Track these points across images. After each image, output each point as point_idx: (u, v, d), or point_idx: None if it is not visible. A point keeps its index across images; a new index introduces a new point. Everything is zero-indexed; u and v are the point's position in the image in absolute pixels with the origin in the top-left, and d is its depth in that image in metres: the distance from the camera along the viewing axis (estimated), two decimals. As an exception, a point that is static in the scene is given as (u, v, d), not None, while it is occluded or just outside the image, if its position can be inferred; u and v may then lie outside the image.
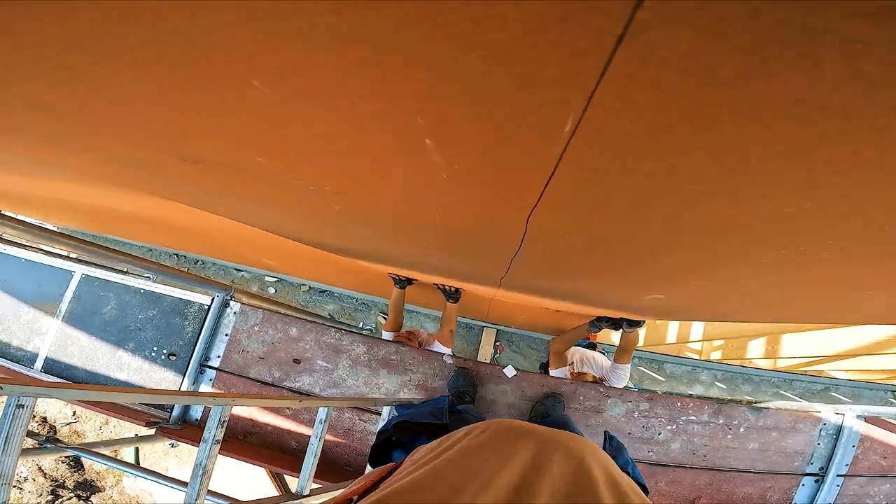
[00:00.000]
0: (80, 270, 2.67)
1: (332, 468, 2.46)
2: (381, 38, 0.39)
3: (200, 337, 2.49)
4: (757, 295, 1.19)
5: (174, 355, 2.52)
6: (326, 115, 0.58)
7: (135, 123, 0.74)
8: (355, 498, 0.57)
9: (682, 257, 0.97)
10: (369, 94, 0.50)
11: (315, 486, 2.02)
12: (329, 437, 2.46)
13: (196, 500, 1.49)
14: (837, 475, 2.42)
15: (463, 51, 0.40)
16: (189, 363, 2.47)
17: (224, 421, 1.55)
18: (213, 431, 1.52)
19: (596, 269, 1.28)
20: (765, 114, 0.41)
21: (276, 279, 4.74)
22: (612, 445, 1.44)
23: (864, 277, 0.85)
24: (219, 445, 1.54)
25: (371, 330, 4.56)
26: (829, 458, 2.44)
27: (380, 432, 1.37)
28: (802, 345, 3.82)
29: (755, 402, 4.37)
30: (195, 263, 4.93)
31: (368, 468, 2.03)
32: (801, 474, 2.46)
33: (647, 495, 1.11)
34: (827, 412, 2.46)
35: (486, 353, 4.46)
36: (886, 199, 0.53)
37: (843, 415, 2.43)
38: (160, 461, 5.18)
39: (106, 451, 2.41)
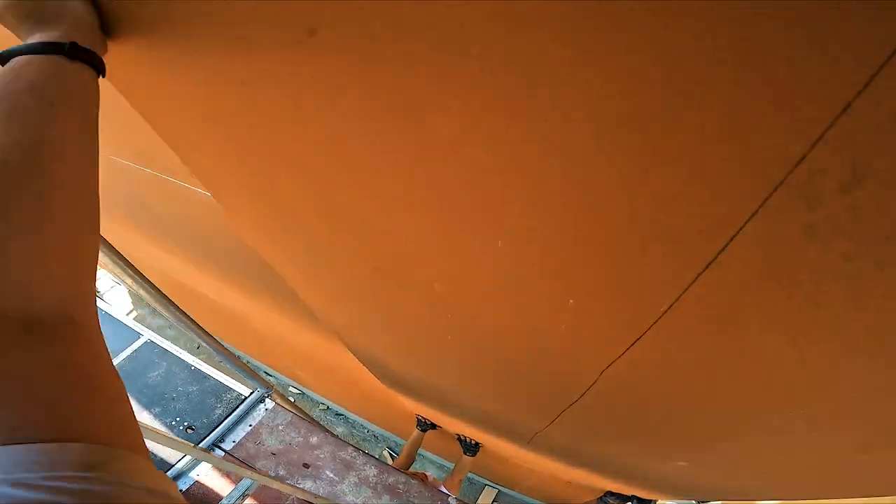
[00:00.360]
0: (147, 335, 2.88)
1: None
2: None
3: (227, 420, 2.56)
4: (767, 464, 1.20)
5: (192, 429, 2.58)
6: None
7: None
8: None
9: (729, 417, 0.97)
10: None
11: None
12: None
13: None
14: None
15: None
16: (204, 438, 2.51)
17: (248, 494, 1.57)
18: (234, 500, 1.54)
19: (641, 431, 1.29)
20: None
21: (298, 392, 4.77)
22: None
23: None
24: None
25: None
26: None
27: None
28: None
29: None
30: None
31: None
32: None
33: None
34: None
35: (482, 513, 4.17)
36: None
37: None
38: None
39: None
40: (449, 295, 0.91)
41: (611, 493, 2.65)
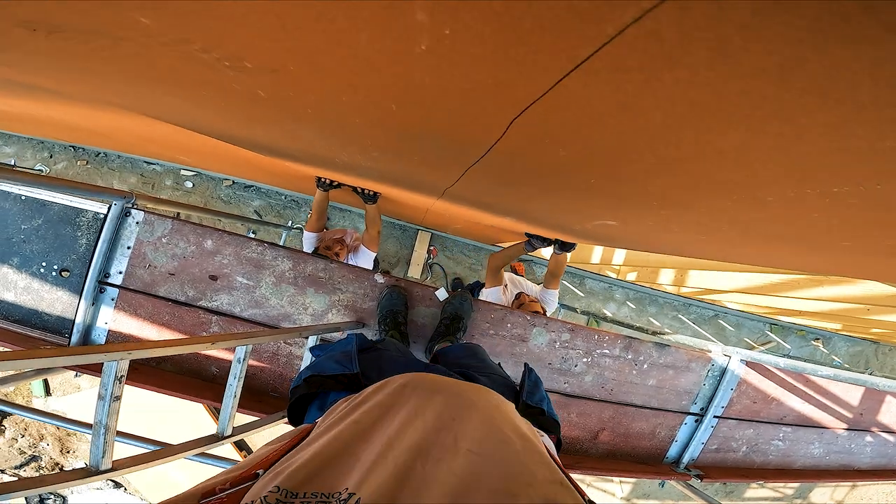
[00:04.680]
0: None
1: (258, 396, 2.27)
2: None
3: (96, 250, 2.08)
4: (717, 231, 1.13)
5: (67, 271, 2.11)
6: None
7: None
8: (261, 471, 0.52)
9: (672, 183, 0.85)
10: None
11: (243, 420, 1.85)
12: (252, 363, 2.25)
13: (102, 457, 1.27)
14: (714, 416, 2.59)
15: None
16: (85, 280, 2.08)
17: (122, 376, 1.28)
18: (110, 388, 1.26)
19: (562, 188, 1.13)
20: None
21: (193, 173, 4.15)
22: (531, 379, 1.39)
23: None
24: (119, 402, 1.29)
25: (300, 228, 4.20)
26: (710, 400, 2.58)
27: (292, 390, 1.21)
28: (705, 278, 4.04)
29: (660, 332, 4.67)
30: (96, 156, 4.14)
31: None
32: (686, 413, 2.62)
33: (559, 431, 1.05)
34: (716, 353, 2.57)
35: (420, 256, 4.31)
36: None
37: (730, 357, 2.53)
38: (70, 379, 4.78)
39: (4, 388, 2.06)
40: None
41: (534, 236, 2.56)
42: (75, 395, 4.82)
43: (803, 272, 2.97)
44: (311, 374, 1.21)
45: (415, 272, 4.32)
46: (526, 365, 1.54)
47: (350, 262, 2.77)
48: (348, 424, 0.59)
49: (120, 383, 1.30)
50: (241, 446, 4.40)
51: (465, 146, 0.91)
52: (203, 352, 2.26)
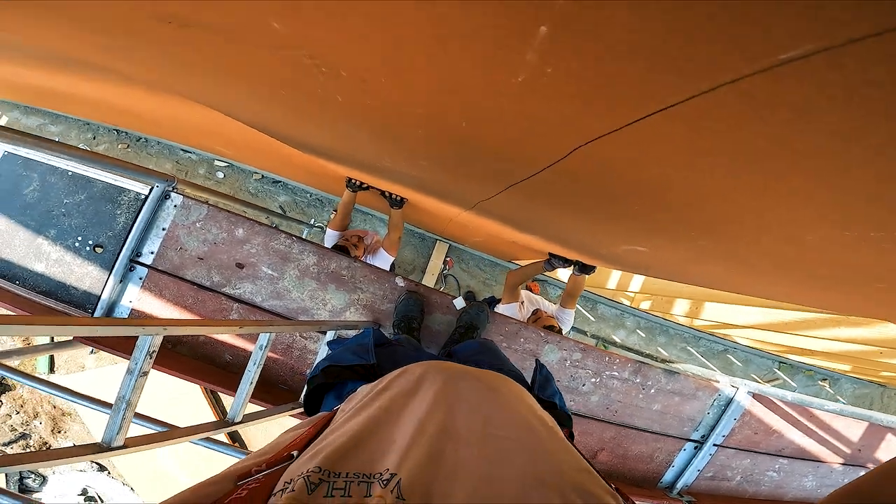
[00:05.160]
0: (1, 147, 2.18)
1: (267, 386, 2.30)
2: None
3: (133, 229, 2.14)
4: (750, 266, 1.14)
5: (101, 247, 2.17)
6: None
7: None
8: (296, 452, 0.53)
9: (719, 217, 0.86)
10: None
11: (250, 409, 1.87)
12: (267, 353, 2.28)
13: (117, 433, 1.28)
14: (713, 444, 2.59)
15: None
16: (118, 257, 2.13)
17: (154, 351, 1.31)
18: (140, 363, 1.29)
19: (603, 212, 1.14)
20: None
21: (226, 164, 4.23)
22: (542, 374, 1.41)
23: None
24: (146, 378, 1.32)
25: (321, 227, 4.25)
26: (712, 428, 2.58)
27: (309, 379, 1.24)
28: (721, 312, 4.01)
29: (668, 360, 4.65)
30: (137, 140, 4.26)
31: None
32: (686, 439, 2.62)
33: (571, 424, 1.06)
34: (724, 383, 2.57)
35: (435, 266, 4.33)
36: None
37: (737, 389, 2.53)
38: (76, 357, 4.82)
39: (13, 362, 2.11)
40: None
41: (556, 256, 2.59)
42: (79, 374, 4.81)
43: (829, 312, 2.96)
44: (329, 364, 1.24)
45: (429, 281, 4.35)
46: (537, 360, 1.56)
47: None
48: (377, 409, 0.59)
49: (150, 358, 1.33)
50: (234, 438, 4.41)
51: (518, 164, 0.92)
52: (218, 337, 2.30)
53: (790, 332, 3.65)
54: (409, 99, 0.68)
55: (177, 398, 4.03)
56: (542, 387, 1.29)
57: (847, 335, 3.34)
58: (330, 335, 2.08)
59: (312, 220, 4.20)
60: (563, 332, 2.79)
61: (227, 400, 3.79)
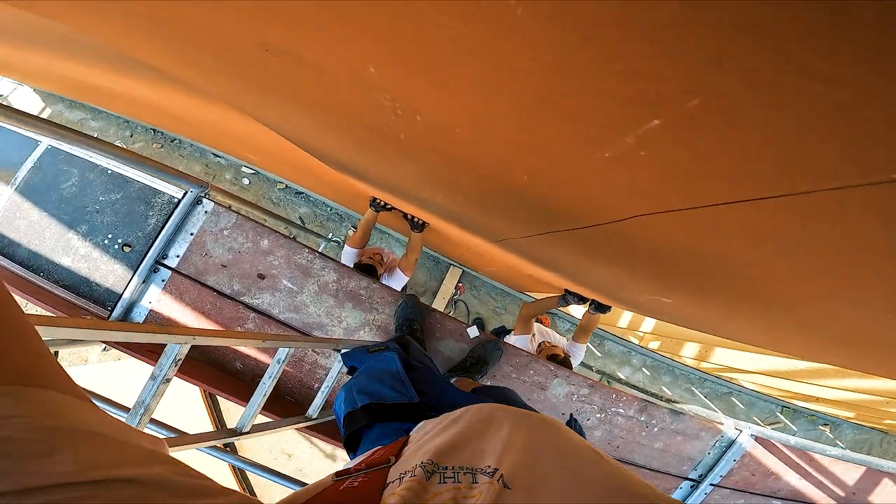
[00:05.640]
0: (46, 141, 2.23)
1: (273, 397, 2.29)
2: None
3: (163, 231, 2.17)
4: (780, 329, 1.13)
5: (129, 246, 2.20)
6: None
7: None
8: (392, 458, 0.57)
9: (766, 293, 0.86)
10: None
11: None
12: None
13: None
14: (710, 483, 2.58)
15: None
16: (144, 258, 2.16)
17: (179, 360, 1.32)
18: (165, 370, 1.29)
19: (643, 269, 1.13)
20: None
21: (252, 171, 4.29)
22: (577, 427, 1.45)
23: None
24: (167, 385, 1.32)
25: (338, 242, 4.29)
26: (711, 468, 2.58)
27: (348, 416, 1.19)
28: (730, 357, 4.00)
29: (672, 399, 4.60)
30: (171, 141, 4.35)
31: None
32: (683, 478, 2.62)
33: None
34: (728, 426, 2.57)
35: (447, 290, 4.33)
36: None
37: (741, 431, 2.52)
38: (80, 350, 4.78)
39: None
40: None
41: (572, 293, 2.59)
42: (81, 367, 4.78)
43: (845, 368, 2.95)
44: (370, 401, 1.19)
45: (440, 304, 4.34)
46: (571, 415, 1.57)
47: (382, 282, 2.82)
48: (463, 428, 0.63)
49: (175, 366, 1.34)
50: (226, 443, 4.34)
51: (568, 218, 0.92)
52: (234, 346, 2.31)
53: (799, 380, 3.63)
54: (480, 151, 0.70)
55: (172, 397, 3.99)
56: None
57: (856, 385, 3.33)
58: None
59: (331, 234, 4.23)
60: (574, 365, 2.79)
61: (223, 404, 3.76)
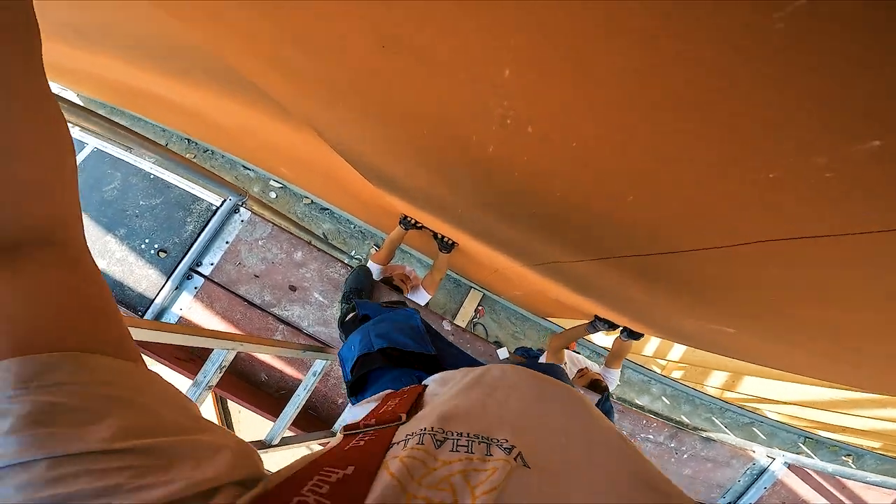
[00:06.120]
0: (93, 143, 2.27)
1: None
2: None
3: (199, 238, 2.17)
4: (843, 362, 1.08)
5: (165, 252, 2.20)
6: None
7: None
8: (404, 415, 0.53)
9: (841, 330, 0.82)
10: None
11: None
12: (302, 376, 2.26)
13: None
14: None
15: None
16: (179, 264, 2.16)
17: (224, 366, 1.30)
18: (210, 376, 1.27)
19: (705, 305, 1.08)
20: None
21: (280, 185, 4.32)
22: (605, 407, 1.48)
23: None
24: (209, 392, 1.30)
25: (360, 260, 4.27)
26: (740, 496, 2.54)
27: (364, 357, 1.16)
28: (759, 386, 3.91)
29: (696, 428, 4.49)
30: (204, 152, 4.40)
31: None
32: None
33: None
34: (760, 453, 2.55)
35: (467, 313, 4.27)
36: None
37: (773, 459, 2.47)
38: None
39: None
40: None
41: (602, 319, 2.55)
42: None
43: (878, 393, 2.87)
44: (387, 345, 1.17)
45: (458, 327, 4.31)
46: (606, 390, 1.49)
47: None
48: (480, 393, 0.59)
49: (220, 372, 1.32)
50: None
51: (648, 242, 0.86)
52: (258, 355, 2.28)
53: (828, 409, 3.53)
54: (590, 169, 0.66)
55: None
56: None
57: (886, 415, 3.23)
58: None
59: (353, 251, 4.22)
60: (610, 390, 2.73)
61: (231, 409, 3.71)
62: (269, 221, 2.25)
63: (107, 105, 4.58)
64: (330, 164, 2.22)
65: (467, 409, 0.53)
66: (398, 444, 0.45)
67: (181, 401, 0.39)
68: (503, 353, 2.31)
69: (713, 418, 4.69)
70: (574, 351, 3.51)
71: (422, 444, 0.44)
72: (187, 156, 4.41)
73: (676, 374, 4.63)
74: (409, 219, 2.76)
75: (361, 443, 0.47)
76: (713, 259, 0.75)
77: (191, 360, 2.19)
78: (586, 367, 2.76)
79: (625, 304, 1.83)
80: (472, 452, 0.43)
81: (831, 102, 0.34)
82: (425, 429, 0.47)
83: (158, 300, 2.17)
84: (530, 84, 0.50)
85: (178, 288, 2.20)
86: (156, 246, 2.20)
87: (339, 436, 0.51)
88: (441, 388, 0.66)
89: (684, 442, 2.44)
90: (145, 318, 2.18)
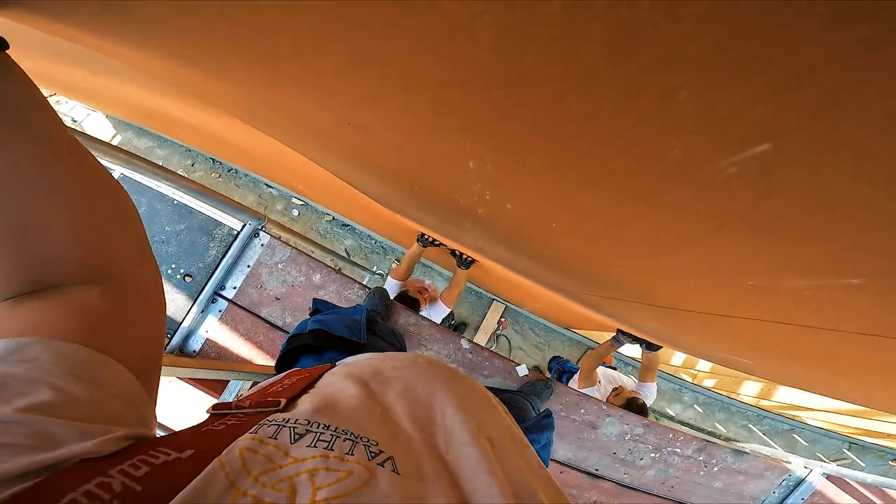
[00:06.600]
0: (119, 170, 2.36)
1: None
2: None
3: (222, 263, 2.23)
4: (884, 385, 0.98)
5: (190, 276, 2.27)
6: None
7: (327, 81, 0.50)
8: (283, 401, 0.49)
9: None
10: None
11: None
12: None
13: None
14: None
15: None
16: (204, 288, 2.23)
17: (241, 395, 1.33)
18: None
19: (727, 350, 1.08)
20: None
21: (302, 203, 4.40)
22: (541, 422, 1.38)
23: None
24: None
25: (382, 275, 4.31)
26: None
27: (293, 336, 1.20)
28: (797, 395, 3.78)
29: (728, 438, 4.34)
30: (228, 171, 4.53)
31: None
32: None
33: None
34: (797, 464, 2.41)
35: (489, 325, 4.26)
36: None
37: (811, 470, 2.38)
38: None
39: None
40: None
41: (625, 333, 2.50)
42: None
43: None
44: (319, 328, 1.19)
45: (481, 339, 4.26)
46: (548, 410, 1.47)
47: (425, 313, 2.81)
48: (378, 383, 0.56)
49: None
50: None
51: (664, 301, 0.84)
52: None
53: (871, 417, 3.37)
54: (582, 245, 0.66)
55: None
56: (530, 430, 1.26)
57: None
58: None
59: (375, 266, 4.27)
60: (649, 405, 2.68)
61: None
62: (287, 244, 2.30)
63: (134, 126, 4.75)
64: (345, 186, 2.26)
65: (347, 401, 0.49)
66: (253, 431, 0.40)
67: (132, 397, 0.42)
68: (522, 370, 2.30)
69: (750, 426, 4.53)
70: (611, 367, 3.45)
71: (275, 438, 0.39)
72: (212, 175, 4.55)
73: (709, 383, 4.49)
74: (426, 237, 2.78)
75: (221, 426, 0.42)
76: (716, 321, 0.73)
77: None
78: (621, 385, 2.71)
79: (644, 330, 1.80)
80: (331, 449, 0.39)
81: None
82: (287, 419, 0.42)
83: (185, 323, 2.24)
84: (501, 178, 0.50)
85: (204, 311, 2.27)
86: (182, 271, 2.28)
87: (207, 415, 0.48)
88: (342, 369, 0.62)
89: (714, 455, 2.36)
90: (173, 340, 2.26)
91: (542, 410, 1.63)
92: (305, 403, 0.48)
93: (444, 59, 0.32)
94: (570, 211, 0.51)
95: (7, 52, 0.46)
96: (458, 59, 0.31)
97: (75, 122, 4.88)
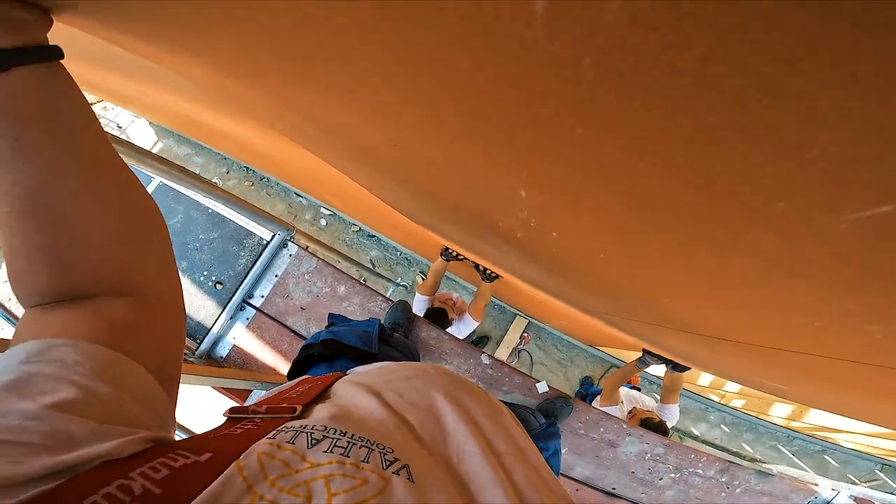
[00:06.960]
0: (158, 178, 2.43)
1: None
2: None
3: (251, 272, 2.27)
4: None
5: (221, 284, 2.31)
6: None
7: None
8: (299, 407, 0.49)
9: None
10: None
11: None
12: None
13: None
14: None
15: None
16: (233, 296, 2.26)
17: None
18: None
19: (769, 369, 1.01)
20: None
21: (330, 213, 4.46)
22: (547, 431, 1.40)
23: None
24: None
25: (406, 287, 4.32)
26: None
27: (307, 346, 1.20)
28: (828, 417, 3.66)
29: (755, 458, 4.21)
30: (261, 180, 4.62)
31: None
32: None
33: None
34: (824, 486, 2.33)
35: (512, 340, 4.22)
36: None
37: (838, 492, 2.30)
38: None
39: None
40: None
41: (651, 353, 2.44)
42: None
43: None
44: (331, 338, 1.21)
45: (503, 353, 4.22)
46: (554, 422, 1.43)
47: (454, 328, 2.80)
48: (391, 392, 0.55)
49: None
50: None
51: (689, 328, 0.83)
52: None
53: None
54: (627, 275, 0.64)
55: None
56: (538, 438, 1.23)
57: None
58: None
59: (399, 278, 4.28)
60: (670, 426, 2.61)
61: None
62: (314, 255, 2.32)
63: (175, 133, 4.87)
64: (377, 201, 2.27)
65: (361, 410, 0.50)
66: (271, 436, 0.40)
67: (152, 400, 0.43)
68: (542, 386, 2.27)
69: (779, 446, 4.38)
70: (636, 387, 3.39)
71: (292, 443, 0.39)
72: (245, 184, 4.64)
73: (737, 403, 4.36)
74: (450, 251, 2.77)
75: (239, 431, 0.43)
76: (767, 352, 0.70)
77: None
78: (635, 407, 2.64)
79: (675, 352, 1.76)
80: (347, 456, 0.39)
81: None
82: (305, 426, 0.42)
83: (214, 329, 2.28)
84: (551, 207, 0.49)
85: (233, 318, 2.30)
86: (213, 278, 2.31)
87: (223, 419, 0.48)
88: (355, 378, 0.61)
89: (737, 476, 2.30)
90: (202, 346, 2.29)
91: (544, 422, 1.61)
92: (321, 411, 0.48)
93: (528, 92, 0.31)
94: (631, 247, 0.49)
95: (62, 62, 0.48)
96: (547, 94, 0.30)
97: (120, 128, 5.03)
